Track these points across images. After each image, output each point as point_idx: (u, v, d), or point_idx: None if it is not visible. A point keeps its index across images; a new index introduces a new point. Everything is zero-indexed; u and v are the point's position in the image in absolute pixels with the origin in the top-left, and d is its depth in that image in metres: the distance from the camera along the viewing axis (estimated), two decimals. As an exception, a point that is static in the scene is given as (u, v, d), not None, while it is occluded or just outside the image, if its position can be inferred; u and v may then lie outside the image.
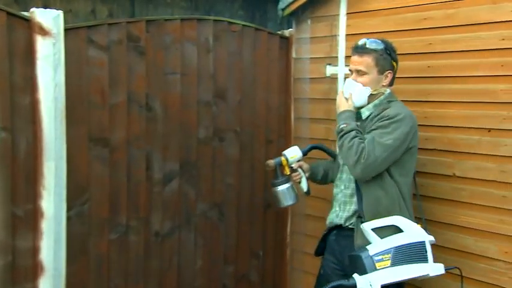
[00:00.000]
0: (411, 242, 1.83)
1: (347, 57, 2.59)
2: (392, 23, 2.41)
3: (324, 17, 2.71)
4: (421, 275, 1.83)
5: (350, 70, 2.09)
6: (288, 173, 2.24)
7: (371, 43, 2.02)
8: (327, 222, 2.18)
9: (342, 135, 1.94)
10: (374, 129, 1.94)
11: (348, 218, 2.06)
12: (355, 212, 2.03)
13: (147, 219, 2.25)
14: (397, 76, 2.41)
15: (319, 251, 2.23)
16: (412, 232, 1.89)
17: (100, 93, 2.04)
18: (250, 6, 3.33)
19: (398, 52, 2.40)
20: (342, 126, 1.96)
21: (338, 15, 2.64)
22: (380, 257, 1.79)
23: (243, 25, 2.61)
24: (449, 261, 2.23)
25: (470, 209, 2.18)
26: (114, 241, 2.12)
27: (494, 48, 2.06)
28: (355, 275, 1.78)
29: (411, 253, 1.82)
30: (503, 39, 2.04)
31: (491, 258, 2.12)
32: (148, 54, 2.18)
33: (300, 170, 2.27)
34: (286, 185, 2.23)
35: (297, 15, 2.82)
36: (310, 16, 2.78)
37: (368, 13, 2.51)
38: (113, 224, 2.11)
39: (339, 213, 2.08)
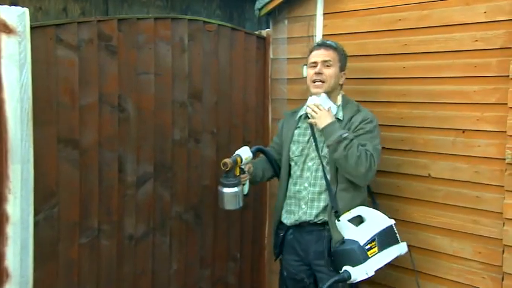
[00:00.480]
0: (385, 226, 2.01)
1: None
2: (368, 24, 2.41)
3: (301, 17, 2.70)
4: (398, 254, 2.03)
5: (313, 63, 2.10)
6: (238, 174, 2.11)
7: (333, 42, 2.17)
8: (290, 221, 2.16)
9: (347, 144, 1.95)
10: (362, 134, 2.03)
11: (317, 215, 2.09)
12: (324, 208, 2.07)
13: (120, 222, 2.19)
14: (374, 77, 2.43)
15: (279, 253, 2.25)
16: (380, 219, 2.03)
17: (69, 93, 1.98)
18: (228, 6, 3.29)
19: (375, 53, 2.43)
20: (344, 135, 1.96)
21: (315, 15, 2.62)
22: (369, 246, 1.93)
23: (219, 24, 2.58)
24: (425, 262, 2.26)
25: (445, 209, 2.19)
26: (85, 245, 2.06)
27: (468, 49, 2.08)
28: (348, 268, 1.85)
29: (389, 236, 2.02)
30: (476, 40, 2.05)
31: (465, 258, 2.13)
32: (120, 54, 2.12)
33: (247, 171, 2.19)
34: (236, 188, 2.08)
35: (274, 15, 2.80)
36: (287, 16, 2.76)
37: (344, 13, 2.50)
38: (83, 228, 2.05)
39: (307, 211, 2.10)
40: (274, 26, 2.83)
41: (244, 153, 2.14)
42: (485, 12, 2.02)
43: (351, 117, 2.09)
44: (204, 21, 2.51)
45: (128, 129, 2.20)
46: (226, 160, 2.04)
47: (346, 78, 2.51)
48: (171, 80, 2.36)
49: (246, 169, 2.15)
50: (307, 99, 2.17)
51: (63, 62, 1.94)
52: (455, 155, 2.15)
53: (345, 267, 1.88)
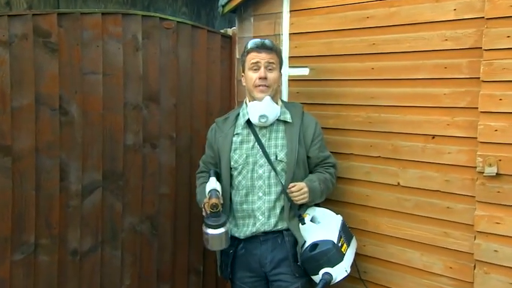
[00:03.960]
0: (341, 221, 2.01)
1: (291, 57, 2.43)
2: (335, 22, 2.25)
3: (267, 15, 2.54)
4: (355, 248, 2.04)
5: (255, 64, 1.97)
6: (220, 210, 1.83)
7: (272, 42, 2.06)
8: (243, 234, 1.98)
9: (324, 188, 2.01)
10: (320, 141, 2.06)
11: (276, 223, 1.97)
12: (280, 214, 1.97)
13: (62, 236, 2.01)
14: (341, 78, 2.29)
15: (229, 273, 2.04)
16: (330, 215, 2.03)
17: (-1, 94, 1.79)
18: (195, 3, 3.13)
19: (342, 53, 2.28)
20: (320, 186, 1.98)
21: (281, 12, 2.47)
22: (340, 243, 1.89)
23: (178, 22, 2.41)
24: (394, 277, 2.11)
25: (415, 221, 2.05)
26: (19, 263, 1.87)
27: (437, 49, 1.93)
28: (327, 269, 1.81)
29: (347, 230, 2.04)
30: (446, 39, 1.91)
31: (436, 274, 1.99)
32: (61, 52, 1.94)
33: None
34: (223, 228, 1.84)
35: (239, 13, 2.64)
36: (253, 14, 2.60)
37: (311, 11, 2.35)
38: (17, 244, 1.86)
39: (266, 221, 1.97)
40: (240, 24, 2.66)
41: (217, 184, 1.92)
42: (454, 9, 1.88)
43: (302, 121, 2.03)
44: (161, 18, 2.34)
45: (72, 134, 2.02)
46: (215, 201, 1.79)
47: (312, 80, 2.38)
48: (122, 80, 2.19)
49: (221, 201, 1.88)
50: (243, 103, 2.08)
51: (-8, 59, 1.76)
52: (425, 162, 2.00)
53: (323, 270, 1.82)
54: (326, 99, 2.30)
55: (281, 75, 2.10)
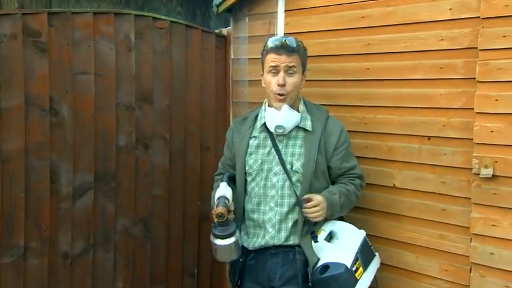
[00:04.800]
0: (362, 240, 1.81)
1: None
2: (331, 22, 2.23)
3: (262, 15, 2.51)
4: (376, 268, 1.84)
5: (273, 68, 1.80)
6: (227, 219, 1.70)
7: (295, 41, 1.84)
8: (253, 245, 1.85)
9: (344, 202, 1.83)
10: (345, 149, 1.87)
11: (287, 237, 1.81)
12: (292, 229, 1.81)
13: (52, 238, 1.98)
14: (337, 79, 2.26)
15: (237, 282, 1.91)
16: (352, 231, 1.84)
17: (-13, 95, 1.77)
18: (190, 3, 3.10)
19: (338, 53, 2.26)
20: (340, 199, 1.80)
21: (276, 12, 2.44)
22: (355, 267, 1.72)
23: (171, 21, 2.38)
24: (389, 280, 2.08)
25: (410, 223, 2.02)
26: (8, 266, 1.84)
27: (433, 49, 1.91)
28: None
29: (367, 251, 1.83)
30: (442, 39, 1.89)
31: (432, 276, 1.96)
32: (52, 51, 1.92)
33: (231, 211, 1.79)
34: (234, 238, 1.71)
35: (234, 13, 2.62)
36: (248, 13, 2.57)
37: (306, 10, 2.32)
38: (6, 247, 1.83)
39: (275, 234, 1.81)
40: (235, 24, 2.64)
41: (227, 191, 1.77)
42: (450, 9, 1.85)
43: (325, 127, 1.85)
44: (154, 17, 2.31)
45: (62, 135, 1.99)
46: (221, 210, 1.65)
47: (308, 80, 2.35)
48: (114, 80, 2.16)
49: (230, 208, 1.76)
50: (262, 104, 1.94)
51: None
52: (420, 163, 1.98)
53: None
54: (321, 100, 2.26)
55: (304, 77, 1.90)
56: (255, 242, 1.85)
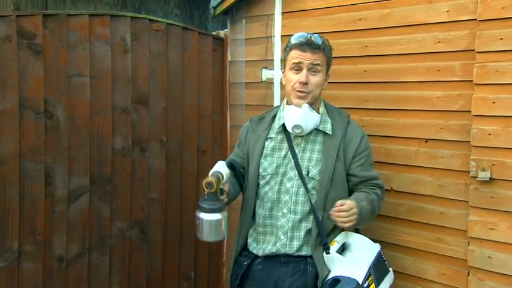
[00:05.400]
0: (375, 254, 1.72)
1: (283, 60, 2.38)
2: (327, 24, 2.22)
3: (259, 17, 2.50)
4: (389, 285, 1.73)
5: (296, 65, 1.69)
6: (216, 191, 1.60)
7: (321, 38, 1.74)
8: (262, 252, 1.77)
9: (371, 211, 1.71)
10: (366, 157, 1.78)
11: (299, 247, 1.72)
12: (305, 238, 1.72)
13: (47, 242, 1.96)
14: (334, 81, 2.24)
15: (238, 285, 1.81)
16: (366, 244, 1.75)
17: (-19, 98, 1.75)
18: (188, 5, 3.09)
19: (334, 55, 2.23)
20: (368, 206, 1.69)
21: (273, 14, 2.43)
22: (367, 283, 1.62)
23: (168, 23, 2.37)
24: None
25: (407, 226, 2.01)
26: (2, 270, 1.82)
27: (430, 51, 1.90)
28: None
29: (381, 266, 1.73)
30: (439, 42, 1.88)
31: (429, 280, 1.95)
32: (46, 54, 1.90)
33: (225, 192, 1.68)
34: (220, 214, 1.59)
35: (231, 15, 2.61)
36: (245, 15, 2.56)
37: (303, 12, 2.31)
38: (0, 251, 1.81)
39: (287, 242, 1.72)
40: (232, 26, 2.63)
41: (223, 169, 1.67)
42: (447, 11, 1.84)
43: (345, 133, 1.76)
44: (150, 20, 2.30)
45: (58, 138, 1.97)
46: (211, 179, 1.56)
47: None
48: (110, 83, 2.15)
49: (224, 189, 1.66)
50: (281, 105, 1.84)
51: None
52: (418, 166, 1.97)
53: None
54: (318, 103, 2.26)
55: (327, 78, 1.80)
56: (265, 248, 1.76)
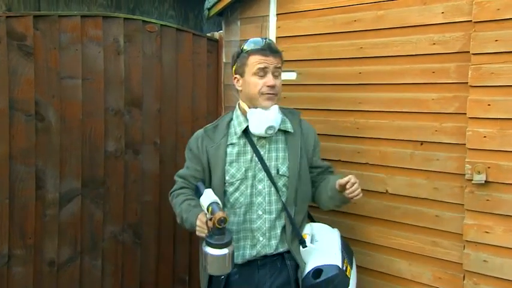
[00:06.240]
0: (339, 237, 1.83)
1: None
2: (323, 25, 2.20)
3: (254, 18, 2.48)
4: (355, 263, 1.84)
5: (262, 70, 1.71)
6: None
7: (275, 44, 1.83)
8: (242, 258, 1.74)
9: None
10: (319, 152, 1.91)
11: (277, 245, 1.75)
12: (280, 235, 1.75)
13: (37, 246, 1.93)
14: (329, 83, 2.23)
15: None
16: (328, 231, 1.85)
17: (-30, 99, 1.73)
18: (183, 6, 3.07)
19: (330, 57, 2.23)
20: None
21: (268, 15, 2.41)
22: (345, 266, 1.72)
23: (162, 25, 2.35)
24: (381, 287, 2.04)
25: (403, 229, 1.99)
26: (-9, 275, 1.79)
27: (425, 53, 1.88)
28: None
29: (347, 247, 1.86)
30: (434, 43, 1.86)
31: (425, 284, 1.93)
32: (37, 55, 1.88)
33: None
34: (228, 249, 1.54)
35: (226, 16, 2.59)
36: (239, 17, 2.54)
37: (298, 14, 2.30)
38: (-12, 255, 1.79)
39: (267, 243, 1.74)
40: (227, 28, 2.61)
41: (216, 197, 1.61)
42: (442, 12, 1.83)
43: (301, 130, 1.83)
44: (144, 21, 2.28)
45: (49, 140, 1.95)
46: (223, 214, 1.50)
47: (299, 85, 2.32)
48: (103, 85, 2.12)
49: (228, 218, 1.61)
50: (233, 111, 1.83)
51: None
52: (413, 169, 1.95)
53: None
54: (313, 105, 2.25)
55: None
56: (244, 254, 1.74)
